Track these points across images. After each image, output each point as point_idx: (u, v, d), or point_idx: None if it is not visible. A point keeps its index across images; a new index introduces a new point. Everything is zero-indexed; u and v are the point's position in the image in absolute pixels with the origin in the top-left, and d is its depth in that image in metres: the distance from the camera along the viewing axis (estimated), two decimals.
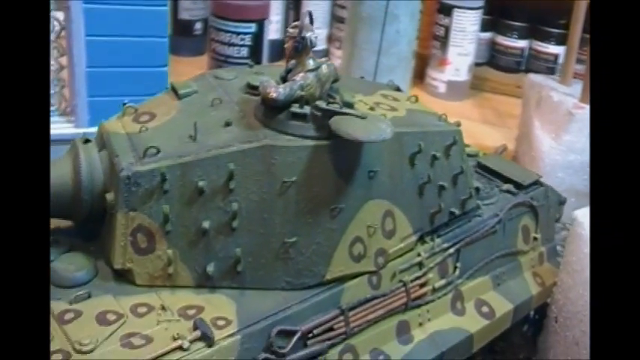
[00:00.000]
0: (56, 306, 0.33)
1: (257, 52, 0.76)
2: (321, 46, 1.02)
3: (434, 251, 0.42)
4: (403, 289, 0.39)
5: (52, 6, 0.56)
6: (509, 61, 1.06)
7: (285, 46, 0.38)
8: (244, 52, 0.76)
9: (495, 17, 1.05)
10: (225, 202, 0.35)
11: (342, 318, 0.36)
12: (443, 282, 0.42)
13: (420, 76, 1.01)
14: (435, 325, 0.41)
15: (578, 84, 0.73)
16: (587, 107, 0.71)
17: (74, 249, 0.36)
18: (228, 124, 0.36)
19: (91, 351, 0.31)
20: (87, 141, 0.37)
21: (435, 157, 0.41)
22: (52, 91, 0.58)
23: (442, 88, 0.98)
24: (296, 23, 0.37)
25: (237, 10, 0.75)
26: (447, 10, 0.95)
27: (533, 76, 0.80)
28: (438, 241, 0.42)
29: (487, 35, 1.05)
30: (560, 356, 0.47)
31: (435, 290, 0.41)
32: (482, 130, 0.90)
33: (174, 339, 0.32)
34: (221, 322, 0.33)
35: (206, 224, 0.34)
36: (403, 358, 0.39)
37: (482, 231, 0.45)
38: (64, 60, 0.58)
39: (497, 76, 1.04)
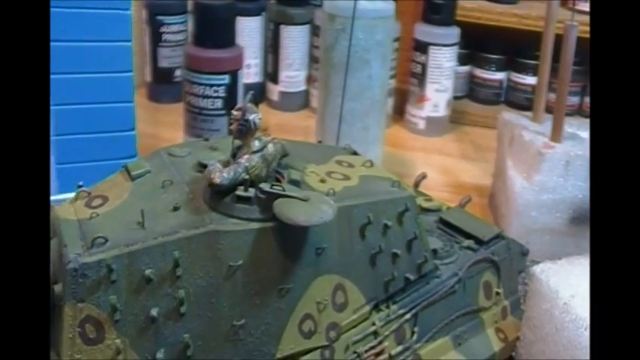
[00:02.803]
0: None
1: (231, 102, 0.77)
2: (301, 87, 1.03)
3: (389, 319, 0.42)
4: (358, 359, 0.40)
5: None
6: (488, 94, 1.07)
7: (230, 127, 0.38)
8: (218, 103, 0.77)
9: (472, 51, 1.06)
10: (173, 289, 0.35)
11: None
12: (400, 348, 0.42)
13: (400, 112, 1.02)
14: None
15: (550, 120, 0.74)
16: (557, 146, 0.71)
17: None
18: (176, 209, 0.37)
19: None
20: None
21: (386, 226, 0.41)
22: None
23: (421, 125, 0.99)
24: (239, 106, 0.38)
25: (210, 62, 0.76)
26: (422, 48, 0.96)
27: (506, 115, 0.81)
28: (393, 307, 0.43)
29: (465, 69, 1.06)
30: None
31: (392, 357, 0.42)
32: (460, 167, 0.91)
33: None
34: None
35: (154, 311, 0.35)
36: None
37: (441, 292, 0.45)
38: None
39: (477, 108, 1.06)
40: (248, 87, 0.96)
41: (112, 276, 0.35)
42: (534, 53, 0.99)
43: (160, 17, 0.99)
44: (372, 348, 0.41)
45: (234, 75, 0.77)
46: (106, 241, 0.35)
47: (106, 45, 0.58)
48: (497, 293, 0.49)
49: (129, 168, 0.41)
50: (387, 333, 0.42)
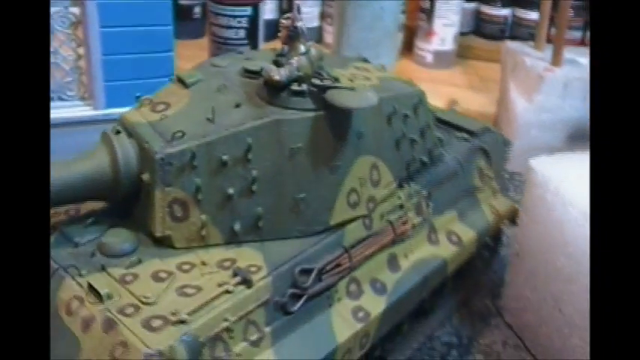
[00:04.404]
0: (115, 271, 0.39)
1: (253, 33, 0.83)
2: (314, 23, 1.08)
3: (411, 194, 0.49)
4: (390, 227, 0.47)
5: (68, 2, 0.63)
6: (494, 29, 1.12)
7: (279, 34, 0.44)
8: (242, 33, 0.82)
9: None
10: (246, 171, 0.41)
11: (346, 255, 0.44)
12: (420, 219, 0.50)
13: (408, 47, 1.08)
14: (416, 255, 0.49)
15: (551, 49, 0.80)
16: (557, 69, 0.78)
17: (115, 226, 0.42)
18: (238, 106, 0.42)
19: (156, 302, 0.37)
20: (118, 132, 0.42)
21: (406, 116, 0.48)
22: (70, 79, 0.64)
23: (429, 58, 1.05)
24: (288, 15, 0.44)
25: None
26: None
27: (509, 44, 0.87)
28: (413, 185, 0.50)
29: (472, 5, 1.11)
30: (521, 284, 0.55)
31: (414, 226, 0.49)
32: (467, 96, 0.97)
33: (220, 285, 0.38)
34: (253, 269, 0.40)
35: (231, 190, 0.40)
36: (395, 285, 0.46)
37: (447, 173, 0.53)
38: (81, 50, 0.64)
39: (482, 43, 1.11)
40: (264, 23, 1.02)
41: (194, 162, 0.40)
42: None
43: None
44: (400, 218, 0.48)
45: (255, 7, 0.83)
46: (184, 134, 0.40)
47: None
48: (489, 176, 0.57)
49: (182, 77, 0.45)
50: (409, 206, 0.49)
